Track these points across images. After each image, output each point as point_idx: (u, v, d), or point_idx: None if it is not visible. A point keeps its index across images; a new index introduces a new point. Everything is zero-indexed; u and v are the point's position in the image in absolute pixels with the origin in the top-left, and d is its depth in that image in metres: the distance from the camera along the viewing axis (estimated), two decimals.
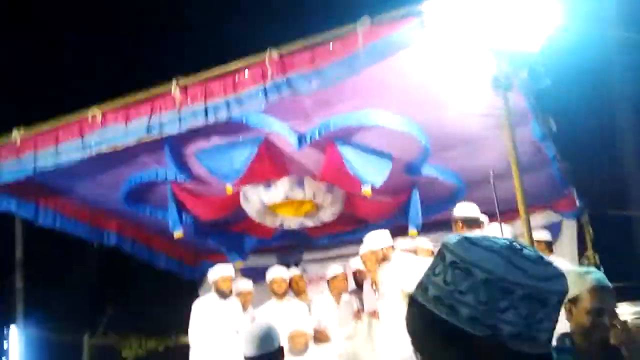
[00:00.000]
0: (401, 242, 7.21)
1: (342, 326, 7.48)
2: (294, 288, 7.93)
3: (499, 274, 1.26)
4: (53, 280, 12.68)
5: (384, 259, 6.66)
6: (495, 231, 5.98)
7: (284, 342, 6.91)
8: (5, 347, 10.51)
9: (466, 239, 1.34)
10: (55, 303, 12.55)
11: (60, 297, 12.63)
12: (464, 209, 6.19)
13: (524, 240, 4.88)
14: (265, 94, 4.99)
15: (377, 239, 6.82)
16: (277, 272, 7.77)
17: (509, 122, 4.99)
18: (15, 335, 11.51)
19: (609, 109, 9.73)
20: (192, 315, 7.37)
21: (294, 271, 8.18)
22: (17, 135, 6.11)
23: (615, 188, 10.04)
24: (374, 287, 6.81)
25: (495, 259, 1.28)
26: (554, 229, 8.20)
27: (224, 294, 7.36)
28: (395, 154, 6.54)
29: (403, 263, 6.66)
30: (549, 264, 1.30)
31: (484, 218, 6.28)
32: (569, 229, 8.42)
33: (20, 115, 6.52)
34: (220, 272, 7.43)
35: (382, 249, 6.77)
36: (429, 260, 1.44)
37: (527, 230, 4.94)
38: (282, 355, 3.16)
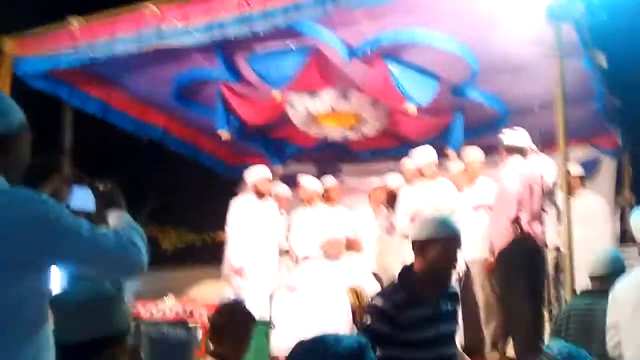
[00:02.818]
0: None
1: (377, 239, 7.72)
2: (331, 197, 8.11)
3: None
4: (99, 170, 13.05)
5: (427, 175, 6.82)
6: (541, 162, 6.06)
7: (318, 248, 7.21)
8: None
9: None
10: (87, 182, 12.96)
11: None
12: (509, 137, 6.22)
13: (561, 171, 4.98)
14: (323, 3, 5.04)
15: (426, 154, 7.01)
16: (308, 182, 7.97)
17: (559, 53, 5.01)
18: None
19: None
20: (230, 213, 7.59)
21: (331, 181, 8.34)
22: (75, 23, 6.26)
23: None
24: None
25: None
26: (593, 165, 8.22)
27: (262, 195, 7.53)
28: (443, 75, 6.59)
29: (437, 183, 6.82)
30: None
31: (531, 146, 6.27)
32: (608, 166, 8.41)
33: (77, 4, 6.63)
34: (259, 173, 7.58)
35: (430, 163, 6.99)
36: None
37: (564, 162, 5.03)
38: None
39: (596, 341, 3.91)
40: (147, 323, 2.76)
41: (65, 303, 2.22)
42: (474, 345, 6.53)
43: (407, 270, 3.27)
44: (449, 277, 3.29)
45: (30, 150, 2.43)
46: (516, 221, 5.72)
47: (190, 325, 3.02)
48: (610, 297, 3.71)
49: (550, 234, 6.15)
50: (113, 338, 2.29)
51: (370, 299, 3.26)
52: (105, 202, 2.48)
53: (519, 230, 5.71)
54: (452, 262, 3.21)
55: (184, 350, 2.71)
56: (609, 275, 4.26)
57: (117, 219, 2.46)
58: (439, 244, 3.17)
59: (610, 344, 3.64)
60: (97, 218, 2.39)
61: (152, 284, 11.49)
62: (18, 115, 2.34)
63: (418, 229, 3.28)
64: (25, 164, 2.43)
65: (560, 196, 5.78)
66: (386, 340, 3.07)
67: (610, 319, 3.68)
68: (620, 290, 3.68)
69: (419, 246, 3.22)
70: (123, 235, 2.24)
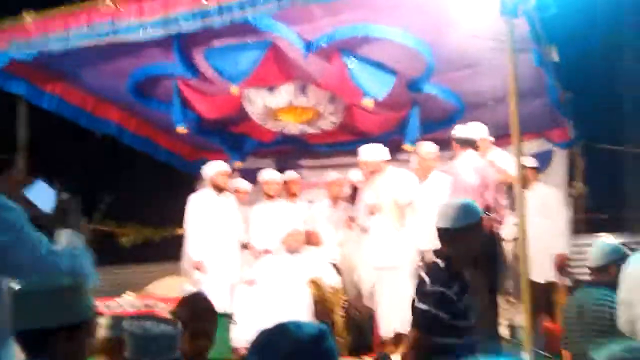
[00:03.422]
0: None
1: (336, 231, 7.78)
2: (291, 190, 8.15)
3: None
4: (54, 164, 12.87)
5: (377, 171, 6.89)
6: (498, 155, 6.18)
7: (278, 241, 7.24)
8: None
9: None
10: (57, 187, 12.79)
11: (60, 181, 12.86)
12: (460, 130, 6.35)
13: (515, 163, 5.08)
14: None
15: (373, 151, 7.05)
16: (271, 175, 7.96)
17: (512, 47, 5.10)
18: None
19: (617, 42, 9.72)
20: (188, 208, 7.58)
21: (292, 174, 8.38)
22: (29, 18, 6.19)
23: (611, 123, 10.16)
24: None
25: None
26: (546, 156, 8.38)
27: (220, 190, 7.54)
28: (399, 69, 6.65)
29: (397, 176, 6.90)
30: None
31: (482, 139, 6.39)
32: (560, 158, 8.58)
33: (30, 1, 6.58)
34: (216, 167, 7.58)
35: (377, 161, 7.01)
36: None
37: (517, 155, 5.13)
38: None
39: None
40: (128, 318, 2.73)
41: (24, 293, 2.22)
42: None
43: (447, 259, 3.39)
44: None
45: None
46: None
47: (174, 320, 2.94)
48: (623, 273, 3.77)
49: (509, 226, 6.27)
50: (69, 328, 2.29)
51: (427, 285, 3.34)
52: (63, 213, 2.48)
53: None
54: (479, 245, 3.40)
55: (168, 343, 2.65)
56: (608, 266, 4.37)
57: (69, 237, 2.47)
58: (474, 229, 3.38)
59: (622, 319, 3.73)
60: (49, 221, 2.40)
61: (110, 280, 11.43)
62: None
63: (453, 217, 3.41)
64: None
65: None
66: (442, 325, 3.24)
67: (621, 295, 3.73)
68: (634, 266, 3.73)
69: (453, 234, 3.38)
70: (75, 261, 2.26)
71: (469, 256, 3.44)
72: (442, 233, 3.47)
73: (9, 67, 6.55)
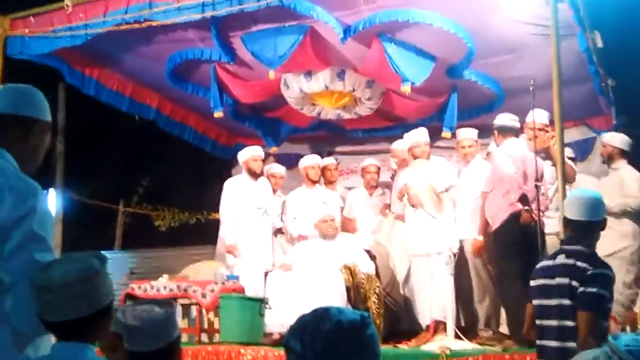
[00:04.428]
0: None
1: (371, 218, 7.75)
2: (327, 176, 8.13)
3: None
4: (93, 149, 13.05)
5: (419, 156, 6.81)
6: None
7: (313, 227, 7.24)
8: None
9: None
10: (94, 170, 12.98)
11: (99, 165, 13.04)
12: (503, 118, 6.24)
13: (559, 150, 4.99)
14: None
15: (399, 141, 7.04)
16: (313, 159, 7.95)
17: (556, 33, 5.00)
18: (54, 199, 12.05)
19: None
20: (223, 193, 7.62)
21: (329, 160, 8.35)
22: (69, 2, 6.25)
23: None
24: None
25: None
26: (587, 144, 8.24)
27: (254, 174, 7.53)
28: (439, 55, 6.58)
29: (434, 163, 6.83)
30: None
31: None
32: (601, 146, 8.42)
33: None
34: (250, 152, 7.58)
35: (404, 150, 7.03)
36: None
37: (560, 143, 5.04)
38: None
39: None
40: (123, 308, 2.71)
41: (51, 281, 2.21)
42: (468, 323, 6.59)
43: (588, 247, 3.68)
44: None
45: (45, 150, 2.55)
46: (510, 202, 5.78)
47: (172, 303, 2.91)
48: None
49: (553, 220, 6.18)
50: (101, 312, 2.28)
51: (589, 269, 3.56)
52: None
53: (514, 212, 5.77)
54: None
55: (160, 329, 2.62)
56: None
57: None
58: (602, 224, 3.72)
59: None
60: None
61: (145, 263, 11.58)
62: (48, 112, 2.58)
63: (596, 210, 3.71)
64: (39, 160, 2.53)
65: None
66: (607, 308, 3.56)
67: None
68: None
69: (595, 226, 3.72)
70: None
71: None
72: (577, 225, 3.73)
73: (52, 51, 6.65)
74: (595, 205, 3.73)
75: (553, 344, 3.63)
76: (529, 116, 5.95)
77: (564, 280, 3.61)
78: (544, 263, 3.89)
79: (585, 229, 3.71)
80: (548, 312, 3.70)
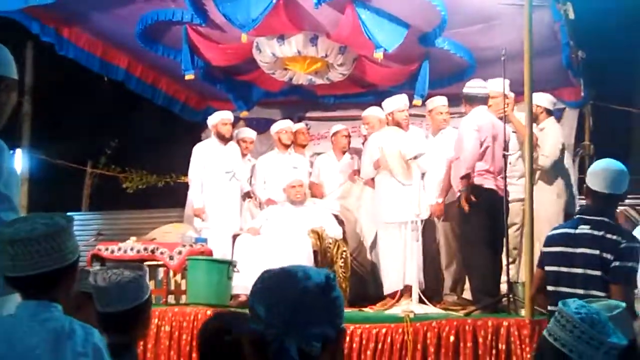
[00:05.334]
0: None
1: (339, 183, 7.78)
2: (299, 140, 8.15)
3: None
4: (61, 109, 12.85)
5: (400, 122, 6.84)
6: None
7: (282, 192, 7.26)
8: None
9: None
10: (62, 131, 12.80)
11: (66, 125, 12.86)
12: (472, 87, 6.26)
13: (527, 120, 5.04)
14: None
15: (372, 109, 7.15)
16: (286, 123, 8.00)
17: (529, 3, 5.02)
18: (21, 159, 11.90)
19: (633, 1, 9.57)
20: (192, 156, 7.60)
21: (300, 125, 8.38)
22: None
23: (622, 83, 10.06)
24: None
25: None
26: (556, 115, 8.31)
27: (223, 138, 7.53)
28: (412, 22, 6.57)
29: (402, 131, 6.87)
30: None
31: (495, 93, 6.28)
32: (570, 117, 8.52)
33: None
34: (219, 116, 7.59)
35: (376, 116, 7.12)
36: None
37: (530, 113, 5.09)
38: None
39: None
40: (94, 271, 2.74)
41: (17, 235, 2.20)
42: (433, 288, 6.68)
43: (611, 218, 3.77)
44: None
45: (12, 108, 2.51)
46: (475, 169, 5.85)
47: (143, 267, 2.95)
48: None
49: (516, 187, 6.27)
50: (65, 269, 2.28)
51: (622, 242, 3.65)
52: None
53: (474, 180, 5.86)
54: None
55: (126, 291, 2.67)
56: None
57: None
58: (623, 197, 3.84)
59: None
60: None
61: (113, 225, 11.50)
62: (14, 69, 2.55)
63: (620, 183, 3.77)
64: (3, 120, 2.50)
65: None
66: (634, 278, 3.64)
67: None
68: None
69: (617, 198, 3.84)
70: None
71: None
72: (600, 196, 3.77)
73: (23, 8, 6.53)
74: (620, 178, 3.78)
75: None
76: (495, 85, 6.03)
77: (593, 251, 3.67)
78: (562, 230, 3.93)
79: (607, 201, 3.77)
80: (569, 280, 3.75)
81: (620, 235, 3.67)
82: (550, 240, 3.95)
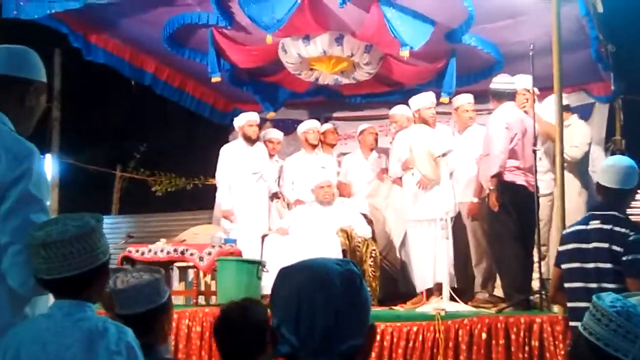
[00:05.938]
0: None
1: (367, 181, 7.76)
2: (328, 140, 8.14)
3: None
4: (90, 114, 12.99)
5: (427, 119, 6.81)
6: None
7: (310, 193, 7.27)
8: None
9: None
10: (91, 136, 12.94)
11: (95, 130, 13.00)
12: (500, 83, 6.21)
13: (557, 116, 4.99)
14: None
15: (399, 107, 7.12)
16: (312, 123, 8.01)
17: None
18: (50, 164, 12.03)
19: None
20: (219, 158, 7.65)
21: (327, 125, 8.39)
22: None
23: None
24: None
25: None
26: (586, 110, 8.21)
27: (250, 140, 7.57)
28: (438, 19, 6.53)
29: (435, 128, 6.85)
30: None
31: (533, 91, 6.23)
32: (601, 112, 8.42)
33: None
34: (245, 118, 7.65)
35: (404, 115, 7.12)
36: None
37: (559, 108, 5.04)
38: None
39: None
40: (115, 275, 2.76)
41: (49, 238, 2.21)
42: (463, 286, 6.64)
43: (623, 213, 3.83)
44: None
45: (41, 111, 2.56)
46: (505, 167, 5.80)
47: (160, 270, 2.96)
48: None
49: (547, 180, 6.20)
50: (97, 269, 2.30)
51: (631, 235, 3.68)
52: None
53: (507, 176, 5.81)
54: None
55: (142, 294, 2.68)
56: None
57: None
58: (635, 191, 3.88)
59: None
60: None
61: (143, 228, 11.59)
62: (43, 73, 2.58)
63: (629, 178, 3.81)
64: (34, 122, 2.53)
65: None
66: None
67: None
68: None
69: (628, 193, 3.87)
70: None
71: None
72: (610, 192, 3.84)
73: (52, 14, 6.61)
74: (629, 174, 3.83)
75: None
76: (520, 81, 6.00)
77: (603, 245, 3.72)
78: (575, 228, 3.97)
79: (618, 196, 3.83)
80: (584, 275, 3.80)
81: (629, 228, 3.72)
82: (565, 239, 4.02)
